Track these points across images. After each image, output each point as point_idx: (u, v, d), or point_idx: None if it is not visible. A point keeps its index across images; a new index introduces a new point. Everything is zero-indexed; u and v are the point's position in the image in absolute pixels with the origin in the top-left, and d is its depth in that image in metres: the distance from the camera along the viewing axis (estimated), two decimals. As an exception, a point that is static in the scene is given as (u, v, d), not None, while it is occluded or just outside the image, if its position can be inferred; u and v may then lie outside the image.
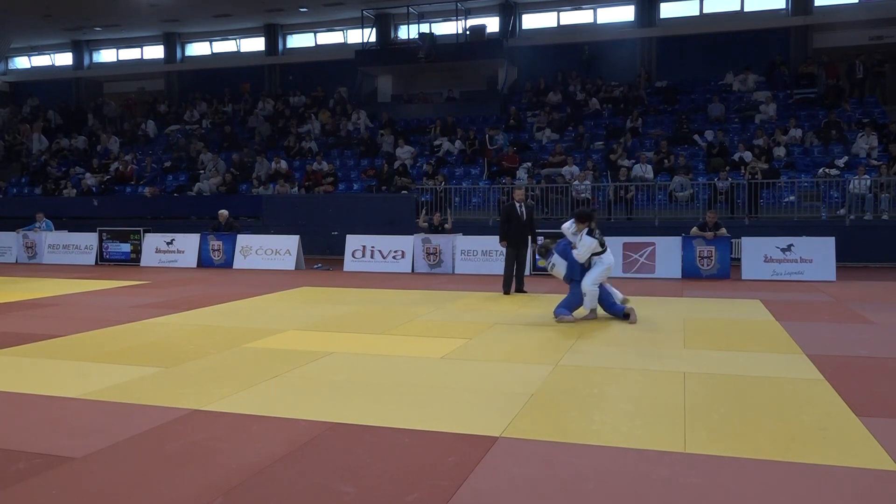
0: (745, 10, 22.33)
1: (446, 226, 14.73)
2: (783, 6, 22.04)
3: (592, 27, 23.63)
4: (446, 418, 4.58)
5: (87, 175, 22.13)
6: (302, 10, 24.68)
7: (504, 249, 11.04)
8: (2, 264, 16.96)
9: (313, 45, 27.06)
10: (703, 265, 12.99)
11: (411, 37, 24.51)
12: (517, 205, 10.73)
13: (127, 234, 16.76)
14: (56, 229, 18.02)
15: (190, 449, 4.08)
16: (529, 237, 10.93)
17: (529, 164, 18.56)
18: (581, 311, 8.37)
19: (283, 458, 3.88)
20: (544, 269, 13.30)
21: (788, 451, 3.95)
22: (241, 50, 27.84)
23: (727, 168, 16.36)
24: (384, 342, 7.20)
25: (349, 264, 15.03)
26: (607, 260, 8.31)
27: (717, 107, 19.75)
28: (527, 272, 11.77)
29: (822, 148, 17.56)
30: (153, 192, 20.65)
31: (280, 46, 26.98)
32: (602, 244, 8.27)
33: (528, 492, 3.46)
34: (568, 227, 8.46)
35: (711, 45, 22.04)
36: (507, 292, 10.81)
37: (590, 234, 8.22)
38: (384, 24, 25.08)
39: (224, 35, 27.82)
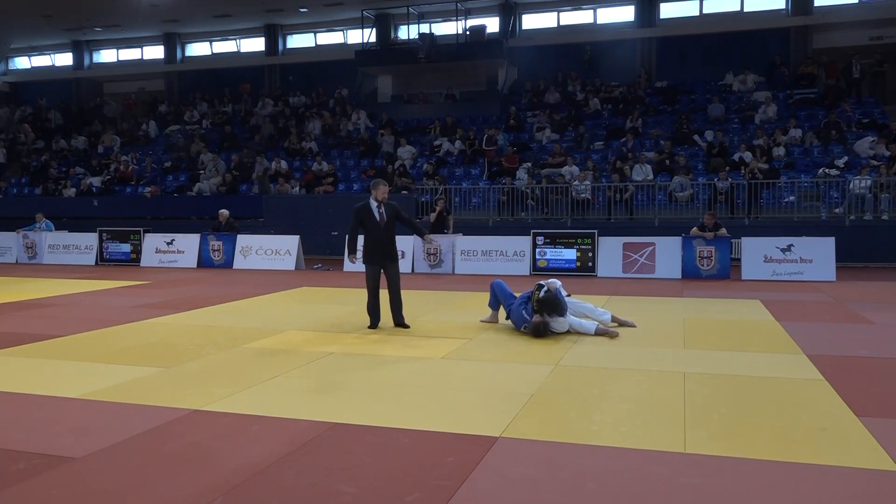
0: (745, 10, 22.34)
1: (446, 231, 14.71)
2: (783, 6, 22.05)
3: (592, 27, 23.64)
4: (446, 418, 4.58)
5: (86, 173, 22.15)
6: (302, 10, 24.68)
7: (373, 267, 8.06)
8: (2, 264, 16.96)
9: (313, 45, 27.06)
10: (703, 265, 12.99)
11: (411, 37, 24.50)
12: (374, 206, 7.86)
13: (127, 235, 16.76)
14: (56, 229, 18.03)
15: (190, 449, 4.08)
16: (399, 249, 8.30)
17: (529, 164, 18.55)
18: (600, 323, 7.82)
19: (283, 458, 3.88)
20: (544, 269, 13.36)
21: (788, 451, 3.95)
22: (241, 50, 27.83)
23: (727, 168, 16.35)
24: (384, 342, 7.20)
25: (349, 264, 14.92)
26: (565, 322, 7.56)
27: (717, 107, 19.75)
28: (527, 272, 11.47)
29: (822, 148, 17.56)
30: (153, 192, 20.65)
31: (280, 47, 26.98)
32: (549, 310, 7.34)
33: (528, 492, 3.46)
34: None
35: (711, 46, 22.04)
36: (373, 325, 7.99)
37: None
38: (384, 25, 25.07)
39: (224, 35, 27.82)
